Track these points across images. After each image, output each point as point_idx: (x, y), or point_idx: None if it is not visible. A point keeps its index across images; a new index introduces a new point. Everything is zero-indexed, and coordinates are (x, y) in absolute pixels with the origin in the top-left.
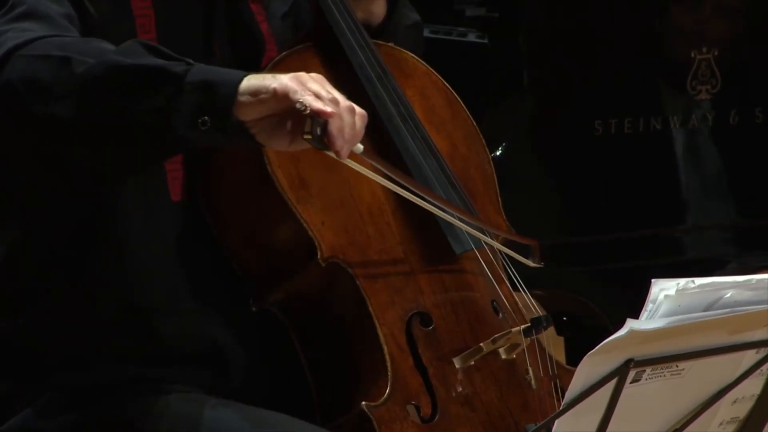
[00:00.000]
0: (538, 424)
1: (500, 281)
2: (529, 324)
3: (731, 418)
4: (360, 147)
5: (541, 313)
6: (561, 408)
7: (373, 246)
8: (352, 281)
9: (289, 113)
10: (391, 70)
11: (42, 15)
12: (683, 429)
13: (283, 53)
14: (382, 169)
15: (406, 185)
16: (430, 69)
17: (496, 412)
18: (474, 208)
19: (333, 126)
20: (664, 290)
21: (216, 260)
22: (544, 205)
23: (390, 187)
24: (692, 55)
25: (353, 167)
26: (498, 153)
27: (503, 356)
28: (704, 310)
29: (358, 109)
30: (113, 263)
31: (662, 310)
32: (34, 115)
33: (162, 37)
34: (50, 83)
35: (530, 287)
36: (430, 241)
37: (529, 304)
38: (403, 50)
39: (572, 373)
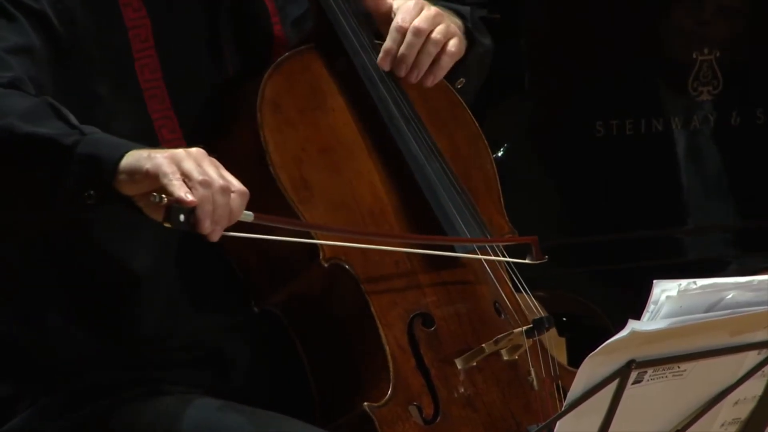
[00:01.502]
0: (540, 425)
1: (502, 282)
2: (531, 325)
3: (733, 419)
4: (249, 215)
5: (542, 314)
6: (563, 409)
7: None
8: (354, 282)
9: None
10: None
11: None
12: (685, 430)
13: (285, 55)
14: (283, 226)
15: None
16: None
17: (497, 413)
18: (476, 208)
19: (199, 211)
20: (665, 291)
21: (217, 261)
22: (545, 206)
23: (301, 241)
24: (694, 56)
25: (235, 235)
26: (499, 154)
27: (505, 357)
28: (706, 311)
29: (234, 185)
30: (114, 266)
31: (664, 311)
32: None
33: (162, 46)
34: None
35: (532, 288)
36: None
37: (531, 305)
38: None
39: (574, 374)
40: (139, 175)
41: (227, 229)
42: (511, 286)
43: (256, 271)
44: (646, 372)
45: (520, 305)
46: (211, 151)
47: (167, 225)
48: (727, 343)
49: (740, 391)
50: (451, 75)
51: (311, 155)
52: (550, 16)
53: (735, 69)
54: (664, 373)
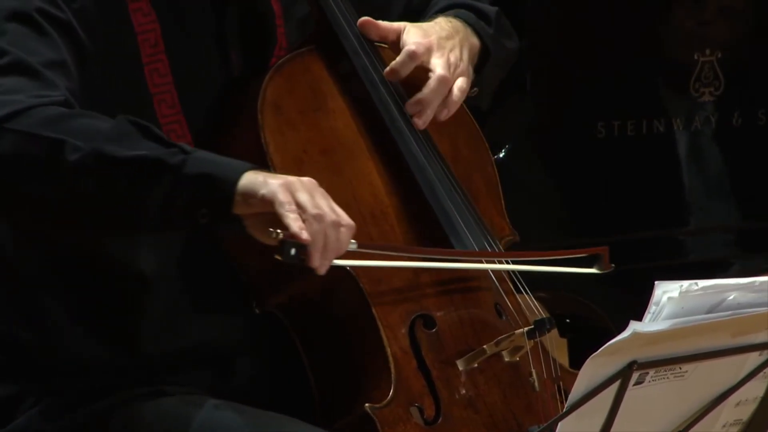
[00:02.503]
0: (542, 427)
1: (503, 283)
2: (533, 326)
3: (734, 421)
4: (353, 244)
5: (544, 316)
6: (564, 410)
7: None
8: (355, 284)
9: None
10: None
11: (26, 68)
12: (686, 431)
13: (286, 56)
14: (383, 252)
15: (417, 255)
16: None
17: (499, 414)
18: (477, 210)
19: (311, 246)
20: (667, 292)
21: (219, 262)
22: (546, 208)
23: (402, 265)
24: (695, 57)
25: (342, 263)
26: (501, 155)
27: (506, 358)
28: (707, 313)
29: (344, 219)
30: (116, 267)
31: (665, 312)
32: (21, 194)
33: (171, 50)
34: (41, 167)
35: (533, 289)
36: (433, 244)
37: (532, 306)
38: None
39: (575, 376)
40: (254, 199)
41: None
42: (512, 287)
43: (257, 273)
44: (647, 373)
45: (521, 306)
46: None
47: (278, 257)
48: (729, 345)
49: (742, 393)
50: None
51: (312, 156)
52: (551, 17)
53: (736, 70)
54: (666, 375)
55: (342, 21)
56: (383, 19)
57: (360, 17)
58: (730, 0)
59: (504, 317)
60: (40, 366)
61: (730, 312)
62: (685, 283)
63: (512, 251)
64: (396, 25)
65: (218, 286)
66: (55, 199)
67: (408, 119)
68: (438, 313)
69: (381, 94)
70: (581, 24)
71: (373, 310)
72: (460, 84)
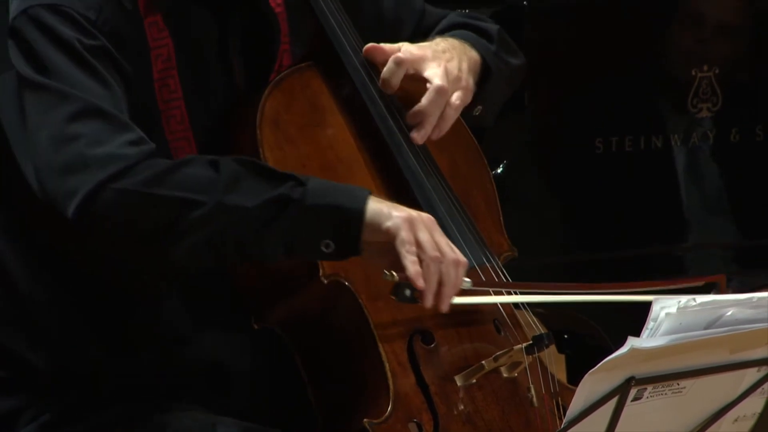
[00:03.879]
0: None
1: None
2: (531, 342)
3: None
4: (468, 282)
5: (542, 331)
6: (562, 426)
7: None
8: (353, 299)
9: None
10: None
11: (100, 113)
12: None
13: (285, 72)
14: (490, 288)
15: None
16: None
17: (497, 429)
18: (475, 226)
19: (426, 289)
20: (665, 308)
21: (218, 278)
22: (545, 223)
23: (506, 300)
24: (693, 73)
25: (457, 302)
26: (499, 171)
27: (505, 374)
28: (705, 328)
29: (461, 258)
30: (117, 283)
31: (663, 328)
32: (134, 248)
33: (182, 66)
34: (162, 226)
35: (532, 306)
36: None
37: (531, 322)
38: None
39: (573, 391)
40: (378, 232)
41: None
42: (510, 303)
43: (257, 288)
44: (645, 389)
45: (519, 322)
46: None
47: (393, 297)
48: (727, 360)
49: (740, 408)
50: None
51: (311, 172)
52: (550, 33)
53: (734, 86)
54: (664, 390)
55: (341, 37)
56: (394, 39)
57: (362, 34)
58: (728, 16)
59: (502, 333)
60: (41, 380)
61: (728, 328)
62: (683, 299)
63: (632, 282)
64: (396, 45)
65: (218, 303)
66: (174, 252)
67: (407, 135)
68: (436, 329)
69: (380, 110)
70: (579, 40)
71: (372, 326)
72: (455, 99)
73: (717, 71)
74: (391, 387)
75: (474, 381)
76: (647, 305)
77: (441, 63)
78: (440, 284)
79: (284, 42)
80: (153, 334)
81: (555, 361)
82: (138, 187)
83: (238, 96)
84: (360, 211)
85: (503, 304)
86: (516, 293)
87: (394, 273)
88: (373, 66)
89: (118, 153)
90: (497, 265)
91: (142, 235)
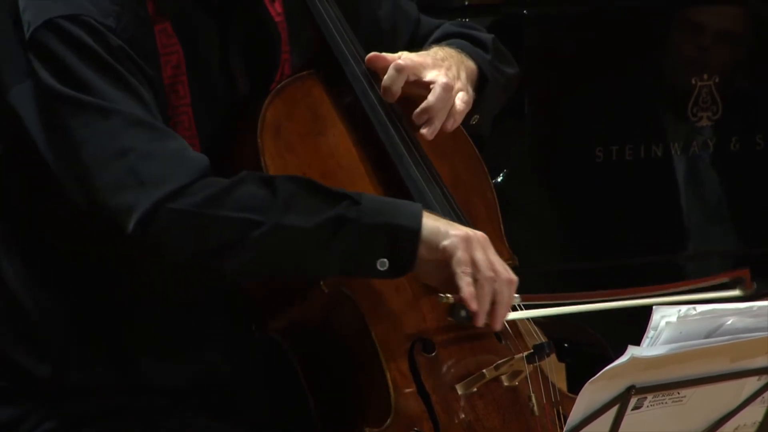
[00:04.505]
0: None
1: None
2: (532, 351)
3: None
4: (517, 298)
5: (543, 340)
6: None
7: None
8: (354, 308)
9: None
10: None
11: (138, 122)
12: None
13: (286, 80)
14: (546, 303)
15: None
16: None
17: None
18: None
19: (479, 311)
20: (665, 317)
21: (218, 286)
22: (545, 232)
23: (544, 314)
24: (693, 81)
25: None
26: (499, 180)
27: (506, 383)
28: (705, 337)
29: (513, 277)
30: (118, 292)
31: (663, 336)
32: (195, 269)
33: (190, 72)
34: (221, 247)
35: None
36: None
37: (532, 330)
38: None
39: (574, 400)
40: (434, 249)
41: None
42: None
43: (257, 297)
44: (645, 398)
45: (520, 331)
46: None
47: (449, 318)
48: (727, 369)
49: (740, 417)
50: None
51: (313, 177)
52: (549, 42)
53: (734, 95)
54: (664, 399)
55: (342, 45)
56: (391, 48)
57: (361, 42)
58: (728, 25)
59: (503, 342)
60: (42, 389)
61: (728, 337)
62: (683, 308)
63: (655, 285)
64: (396, 54)
65: (219, 311)
66: (230, 272)
67: (408, 143)
68: (437, 338)
69: (381, 118)
70: (579, 49)
71: (373, 334)
72: (462, 95)
73: (717, 80)
74: (392, 396)
75: (475, 389)
76: (648, 313)
77: (442, 68)
78: (494, 303)
79: (284, 51)
80: (153, 343)
81: (555, 370)
82: (195, 207)
83: (239, 104)
84: (416, 230)
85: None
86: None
87: (449, 296)
88: (375, 74)
89: (172, 170)
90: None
91: (199, 255)
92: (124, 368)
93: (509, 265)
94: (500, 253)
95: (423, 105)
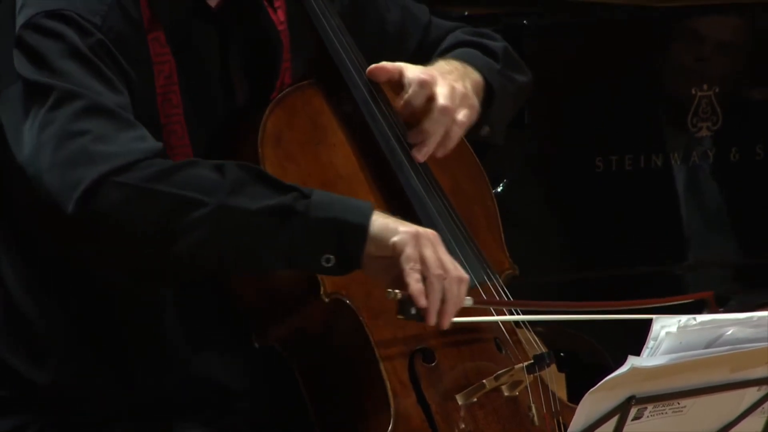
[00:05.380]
0: None
1: None
2: (532, 361)
3: None
4: (469, 300)
5: (543, 350)
6: None
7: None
8: (354, 317)
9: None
10: (395, 107)
11: (106, 110)
12: None
13: (287, 89)
14: (492, 306)
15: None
16: None
17: None
18: (476, 243)
19: (429, 308)
20: (665, 327)
21: (218, 296)
22: (545, 242)
23: (506, 319)
24: (693, 92)
25: (457, 321)
26: (500, 189)
27: (506, 393)
28: (705, 347)
29: (463, 275)
30: (116, 303)
31: (664, 347)
32: (131, 249)
33: (183, 81)
34: (163, 223)
35: (532, 324)
36: None
37: (532, 340)
38: None
39: (574, 410)
40: (384, 246)
41: None
42: (510, 321)
43: (257, 307)
44: (645, 408)
45: (520, 341)
46: None
47: (399, 316)
48: (727, 380)
49: (740, 428)
50: (475, 125)
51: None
52: (550, 52)
53: (734, 105)
54: (664, 410)
55: (343, 55)
56: (399, 51)
57: (366, 48)
58: (728, 36)
59: (503, 352)
60: (42, 399)
61: (728, 347)
62: (684, 318)
63: (620, 301)
64: (398, 64)
65: (219, 323)
66: (172, 253)
67: (408, 152)
68: (438, 347)
69: (381, 128)
70: (579, 58)
71: (373, 344)
72: (460, 118)
73: (717, 90)
74: (392, 405)
75: (475, 400)
76: (647, 324)
77: (448, 82)
78: (443, 301)
79: (286, 59)
80: (153, 353)
81: (556, 380)
82: (140, 182)
83: (238, 113)
84: (364, 227)
85: (504, 323)
86: (516, 312)
87: (397, 291)
88: (375, 84)
89: (124, 149)
90: (498, 282)
91: (141, 234)
92: (123, 377)
93: (509, 274)
94: (501, 262)
95: (419, 127)
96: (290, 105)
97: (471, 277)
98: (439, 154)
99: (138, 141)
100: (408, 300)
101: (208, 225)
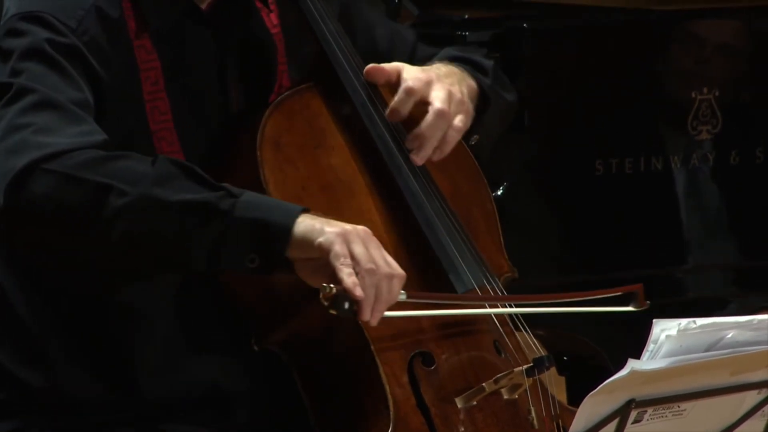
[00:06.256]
0: None
1: (502, 321)
2: (532, 364)
3: None
4: (403, 294)
5: (543, 353)
6: None
7: None
8: (354, 321)
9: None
10: None
11: (56, 105)
12: None
13: (285, 93)
14: (426, 301)
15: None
16: None
17: None
18: (475, 246)
19: (364, 301)
20: (665, 330)
21: (217, 299)
22: (544, 245)
23: (442, 314)
24: (693, 95)
25: (392, 315)
26: (499, 193)
27: (505, 396)
28: (705, 351)
29: (396, 270)
30: (114, 306)
31: (664, 350)
32: (61, 238)
33: (171, 89)
34: (83, 210)
35: (532, 327)
36: (433, 280)
37: (531, 343)
38: None
39: (574, 413)
40: (310, 247)
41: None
42: (511, 324)
43: (257, 310)
44: (645, 411)
45: (520, 344)
46: None
47: (332, 312)
48: (727, 383)
49: (740, 431)
50: (466, 132)
51: (311, 193)
52: (550, 55)
53: (734, 108)
54: (664, 413)
55: (341, 58)
56: None
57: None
58: (728, 39)
59: (503, 355)
60: (40, 404)
61: (728, 350)
62: (684, 321)
63: (546, 294)
64: (396, 64)
65: (217, 325)
66: (98, 243)
67: (407, 156)
68: (437, 351)
69: (379, 131)
70: (579, 62)
71: (372, 347)
72: (457, 122)
73: (717, 94)
74: (392, 409)
75: (475, 403)
76: (647, 327)
77: (445, 86)
78: (375, 297)
79: (281, 63)
80: (150, 357)
81: (555, 383)
82: (67, 169)
83: (233, 118)
84: (286, 228)
85: (504, 327)
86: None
87: (332, 286)
88: (374, 87)
89: (61, 140)
90: (497, 285)
91: (67, 222)
92: (120, 381)
93: (508, 277)
94: (500, 265)
95: (415, 132)
96: (289, 108)
97: (468, 279)
98: (436, 157)
99: (81, 134)
100: (342, 294)
101: (129, 214)
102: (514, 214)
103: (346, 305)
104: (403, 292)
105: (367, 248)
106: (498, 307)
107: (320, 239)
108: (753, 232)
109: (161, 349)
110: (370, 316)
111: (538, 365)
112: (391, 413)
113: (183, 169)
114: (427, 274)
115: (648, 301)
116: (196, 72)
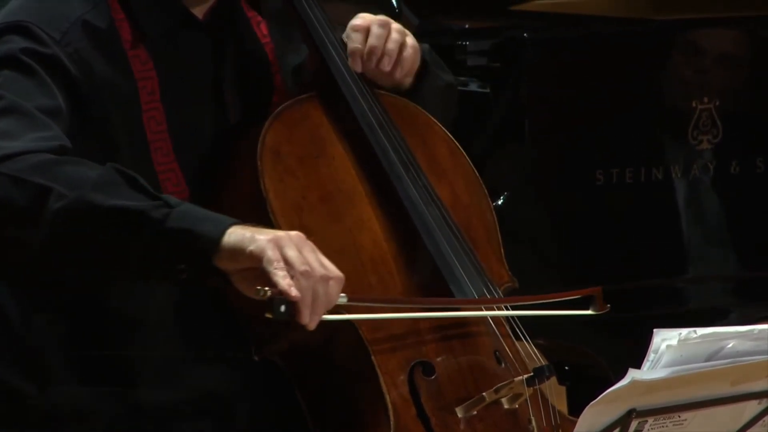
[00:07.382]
0: None
1: (503, 330)
2: (532, 374)
3: None
4: (344, 297)
5: (543, 363)
6: None
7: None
8: (354, 331)
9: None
10: (394, 119)
11: (22, 111)
12: None
13: (285, 103)
14: (374, 304)
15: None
16: (432, 118)
17: None
18: (476, 255)
19: (300, 303)
20: (666, 340)
21: (217, 309)
22: (545, 255)
23: (393, 317)
24: (693, 105)
25: (331, 318)
26: (499, 202)
27: (506, 406)
28: (706, 361)
29: (332, 272)
30: (114, 315)
31: (664, 360)
32: (9, 239)
33: (167, 99)
34: (25, 212)
35: (532, 337)
36: (433, 290)
37: (532, 353)
38: (406, 100)
39: (574, 423)
40: (242, 256)
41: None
42: (511, 334)
43: (257, 320)
44: (646, 421)
45: (520, 354)
46: (213, 202)
47: (268, 315)
48: (728, 393)
49: None
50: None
51: (312, 203)
52: (550, 65)
53: (735, 118)
54: (665, 423)
55: (341, 67)
56: None
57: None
58: (728, 48)
59: (503, 364)
60: (39, 413)
61: (728, 360)
62: (684, 331)
63: (508, 297)
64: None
65: (216, 334)
66: (37, 244)
67: (407, 164)
68: (437, 360)
69: (380, 139)
70: (580, 72)
71: (373, 358)
72: (410, 40)
73: (717, 103)
74: (392, 419)
75: (475, 412)
76: (648, 336)
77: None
78: (312, 298)
79: (275, 72)
80: (147, 365)
81: (556, 393)
82: (15, 172)
83: (230, 129)
84: (214, 239)
85: (505, 336)
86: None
87: (267, 289)
88: (374, 96)
89: (18, 144)
90: (497, 295)
91: (10, 222)
92: (117, 390)
93: (509, 287)
94: (500, 275)
95: (367, 47)
96: (288, 118)
97: (469, 288)
98: (398, 74)
99: (39, 139)
100: (278, 297)
101: (64, 217)
102: (514, 223)
103: (283, 308)
104: (343, 294)
105: (300, 251)
106: (458, 311)
107: (251, 247)
108: (753, 242)
109: (161, 357)
110: (309, 319)
111: (539, 375)
112: (392, 423)
113: (126, 178)
114: (427, 284)
115: (608, 305)
116: (192, 81)
